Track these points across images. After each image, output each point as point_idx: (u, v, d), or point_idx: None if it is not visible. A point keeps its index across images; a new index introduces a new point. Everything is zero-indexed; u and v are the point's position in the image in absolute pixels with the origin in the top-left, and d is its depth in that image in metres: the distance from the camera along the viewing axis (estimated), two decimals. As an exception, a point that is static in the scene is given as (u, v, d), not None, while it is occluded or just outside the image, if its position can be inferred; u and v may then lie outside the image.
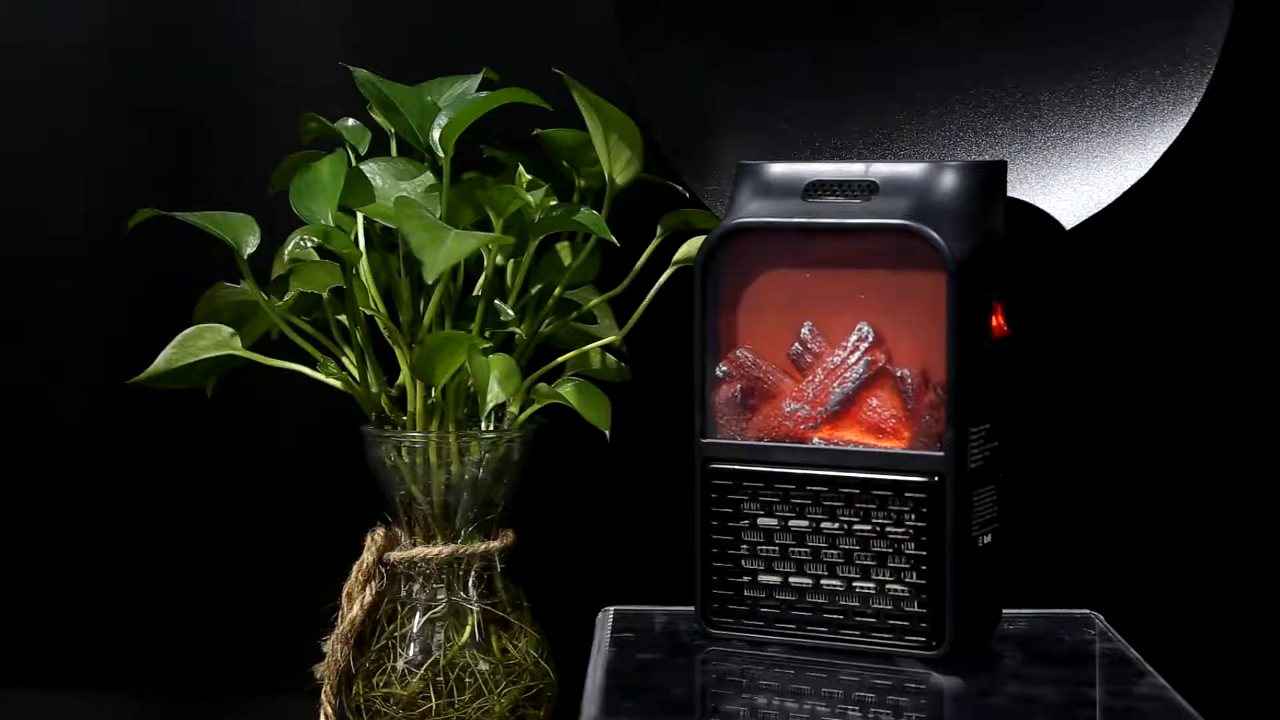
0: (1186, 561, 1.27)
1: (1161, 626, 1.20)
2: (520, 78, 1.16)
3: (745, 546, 1.04)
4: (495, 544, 1.15)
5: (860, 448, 1.01)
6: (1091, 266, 1.24)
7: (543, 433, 1.16)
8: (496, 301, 1.14)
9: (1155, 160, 1.12)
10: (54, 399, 1.33)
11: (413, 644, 1.14)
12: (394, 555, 1.14)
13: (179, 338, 1.13)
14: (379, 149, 1.18)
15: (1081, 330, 1.26)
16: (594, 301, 1.18)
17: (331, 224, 1.10)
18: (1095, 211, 1.13)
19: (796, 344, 1.03)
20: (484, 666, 1.14)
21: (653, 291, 1.15)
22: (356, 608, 1.14)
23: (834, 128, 1.18)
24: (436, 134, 1.12)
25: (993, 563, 1.03)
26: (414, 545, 1.14)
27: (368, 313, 1.14)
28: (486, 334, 1.13)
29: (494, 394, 1.08)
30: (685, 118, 1.18)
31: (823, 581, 1.02)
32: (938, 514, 0.99)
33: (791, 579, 1.03)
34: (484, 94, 1.12)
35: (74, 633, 1.35)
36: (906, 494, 1.00)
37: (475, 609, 1.14)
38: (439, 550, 1.13)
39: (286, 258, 1.17)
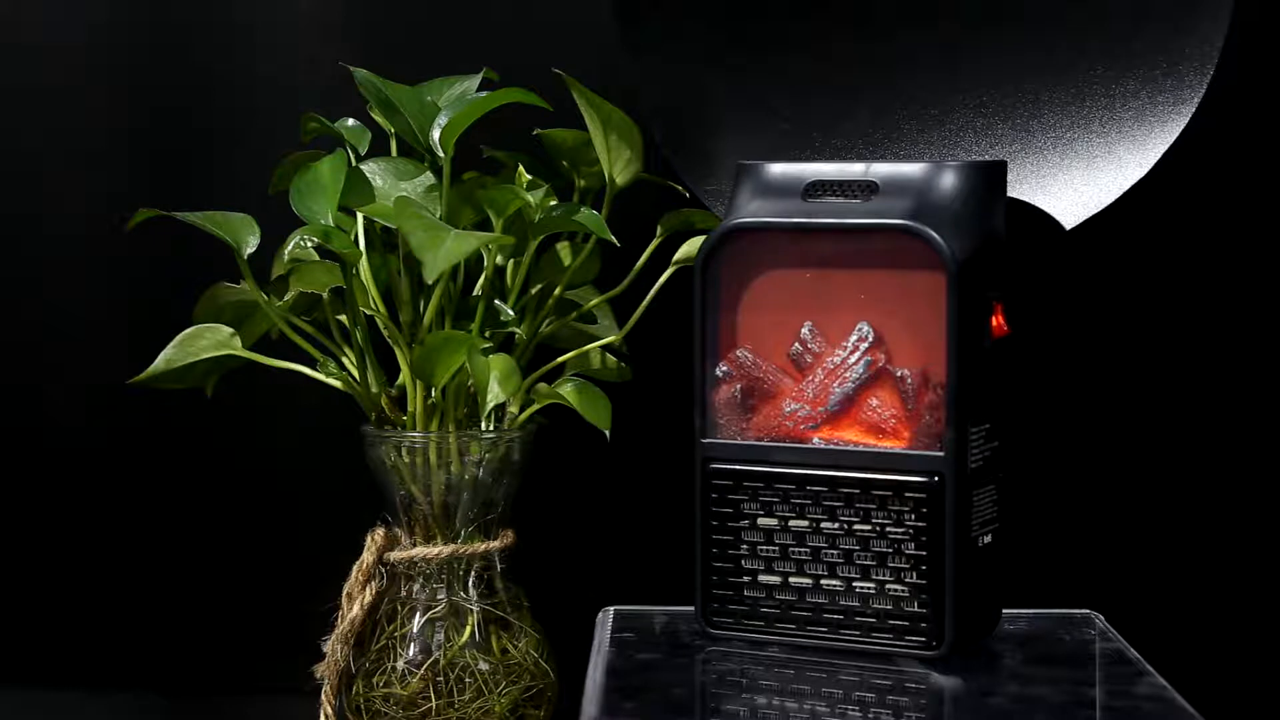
0: (1186, 561, 1.27)
1: (1161, 626, 1.20)
2: (520, 78, 1.16)
3: (745, 546, 1.04)
4: (495, 544, 1.14)
5: (860, 448, 1.01)
6: (1091, 266, 1.24)
7: (543, 433, 1.16)
8: (496, 301, 1.14)
9: (1155, 160, 1.12)
10: (54, 399, 1.33)
11: (413, 644, 1.14)
12: (394, 555, 1.14)
13: (179, 338, 1.13)
14: (379, 149, 1.18)
15: (1081, 330, 1.26)
16: (594, 301, 1.18)
17: (331, 224, 1.10)
18: (1095, 212, 1.13)
19: (796, 344, 1.03)
20: (484, 666, 1.13)
21: (653, 291, 1.15)
22: (356, 608, 1.14)
23: (834, 128, 1.18)
24: (436, 134, 1.11)
25: (993, 563, 1.03)
26: (414, 545, 1.14)
27: (368, 313, 1.14)
28: (486, 334, 1.13)
29: (494, 394, 1.08)
30: (685, 118, 1.18)
31: (823, 581, 1.02)
32: (938, 514, 0.99)
33: (791, 579, 1.03)
34: (484, 94, 1.12)
35: (74, 633, 1.35)
36: (906, 494, 1.00)
37: (475, 609, 1.14)
38: (439, 550, 1.13)
39: (286, 258, 1.17)
